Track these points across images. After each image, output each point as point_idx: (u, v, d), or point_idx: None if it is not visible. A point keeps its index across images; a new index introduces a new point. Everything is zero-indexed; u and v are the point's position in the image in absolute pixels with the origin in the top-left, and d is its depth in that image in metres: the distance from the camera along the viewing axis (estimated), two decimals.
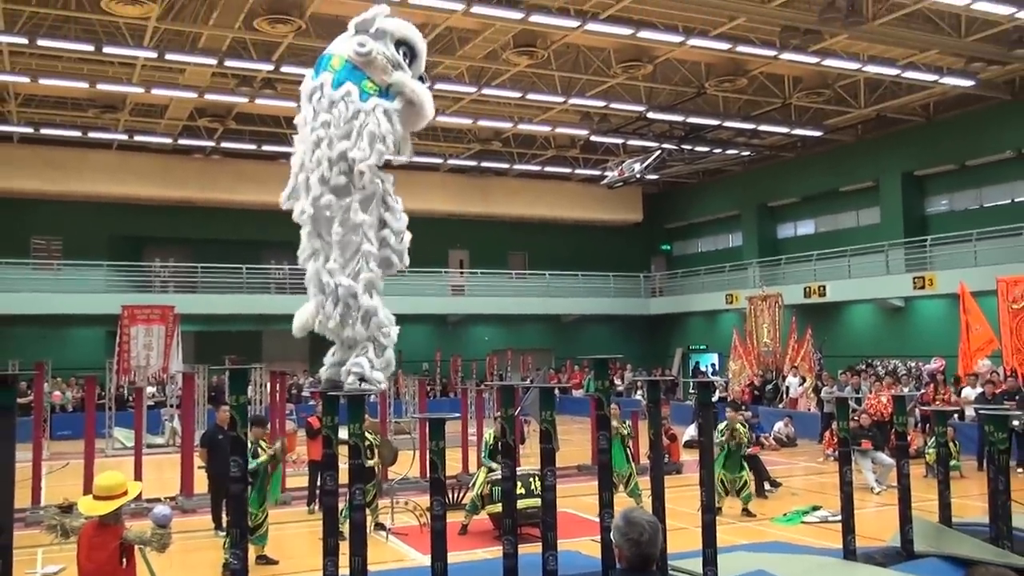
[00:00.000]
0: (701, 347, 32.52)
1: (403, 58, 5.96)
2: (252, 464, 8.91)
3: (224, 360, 20.00)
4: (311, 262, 6.62)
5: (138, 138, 25.97)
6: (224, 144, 26.80)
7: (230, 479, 5.43)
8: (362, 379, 6.42)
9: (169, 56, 19.01)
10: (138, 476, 12.25)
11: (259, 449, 9.18)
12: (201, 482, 11.79)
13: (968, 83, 21.63)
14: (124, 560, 5.36)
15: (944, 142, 24.85)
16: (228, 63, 19.61)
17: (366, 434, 10.27)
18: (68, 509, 9.00)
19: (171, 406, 20.91)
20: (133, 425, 14.98)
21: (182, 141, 26.45)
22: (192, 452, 12.52)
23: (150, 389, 21.93)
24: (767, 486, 13.33)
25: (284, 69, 20.13)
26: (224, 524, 9.06)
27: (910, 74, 21.09)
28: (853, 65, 20.64)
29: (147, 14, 16.83)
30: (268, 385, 18.68)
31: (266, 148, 27.29)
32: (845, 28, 17.83)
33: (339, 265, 6.30)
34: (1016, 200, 24.00)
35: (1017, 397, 15.85)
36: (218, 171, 28.34)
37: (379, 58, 5.78)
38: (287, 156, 30.50)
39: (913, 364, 22.24)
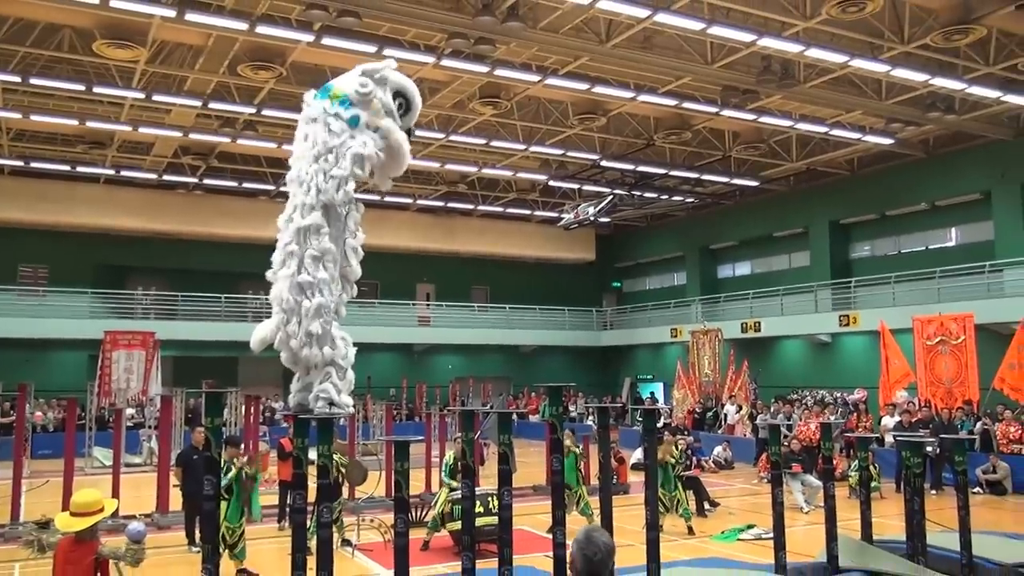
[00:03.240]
0: (648, 376, 32.65)
1: (397, 108, 5.98)
2: (224, 480, 8.76)
3: (201, 384, 19.68)
4: (281, 274, 6.32)
5: (124, 173, 25.57)
6: (206, 181, 26.51)
7: (203, 497, 5.33)
8: (331, 404, 6.32)
9: (156, 97, 18.84)
10: (116, 494, 11.90)
11: (231, 467, 9.01)
12: (176, 500, 11.51)
13: (888, 141, 22.22)
14: (98, 574, 5.21)
15: (867, 194, 25.40)
16: (212, 105, 19.48)
17: (334, 455, 10.22)
18: (45, 525, 8.73)
19: (149, 427, 20.45)
20: (112, 445, 14.62)
21: (166, 177, 26.11)
22: (168, 471, 12.23)
23: (130, 411, 21.46)
24: (707, 506, 13.37)
25: (265, 112, 20.04)
26: (198, 540, 8.86)
27: (837, 132, 21.62)
28: (786, 122, 21.11)
29: (136, 57, 16.70)
30: (243, 408, 18.34)
31: (246, 185, 27.09)
32: (779, 89, 18.27)
33: (307, 281, 6.07)
34: (930, 247, 24.58)
35: (931, 426, 16.13)
36: (200, 206, 28.01)
37: (376, 102, 5.79)
38: (266, 193, 30.47)
39: (838, 394, 22.54)
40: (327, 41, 15.71)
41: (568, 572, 3.49)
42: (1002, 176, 21.74)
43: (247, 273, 30.01)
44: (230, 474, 8.95)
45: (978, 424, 16.79)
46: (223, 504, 8.78)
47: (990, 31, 15.96)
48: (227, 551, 8.88)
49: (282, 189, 27.35)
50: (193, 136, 21.96)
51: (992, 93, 18.21)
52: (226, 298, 27.74)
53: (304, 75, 18.74)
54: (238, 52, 16.86)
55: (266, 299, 25.71)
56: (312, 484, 5.41)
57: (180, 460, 11.06)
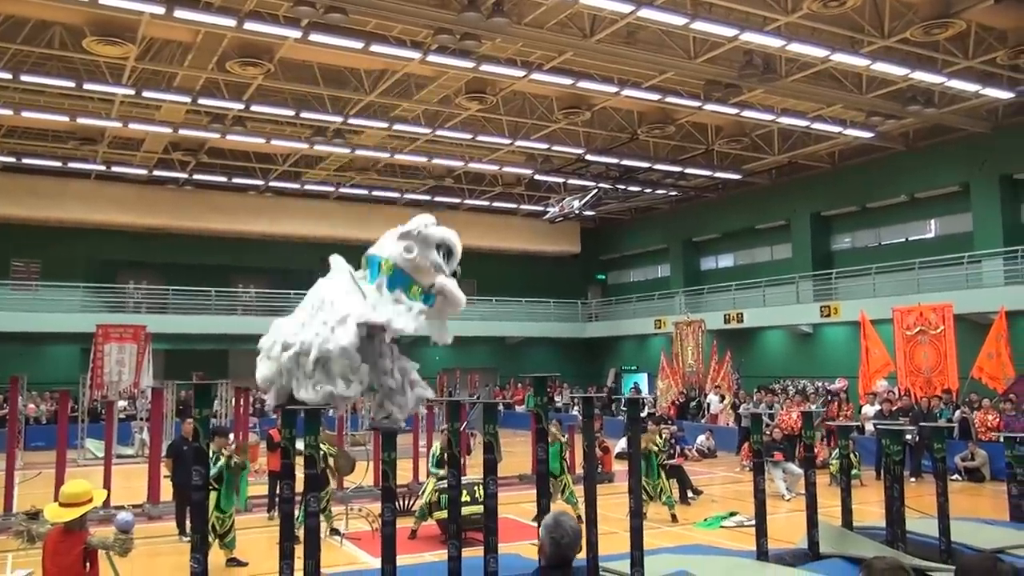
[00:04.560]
0: (632, 367, 32.72)
1: (442, 258, 6.09)
2: (214, 469, 8.71)
3: (192, 376, 19.54)
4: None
5: (115, 169, 25.37)
6: (196, 176, 26.33)
7: (193, 487, 5.28)
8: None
9: (146, 93, 18.66)
10: (108, 485, 11.83)
11: (220, 457, 8.98)
12: (167, 491, 11.44)
13: (868, 135, 22.28)
14: (87, 564, 5.16)
15: (847, 186, 25.48)
16: (201, 101, 19.31)
17: (321, 445, 10.18)
18: (35, 516, 8.66)
19: (141, 419, 20.32)
20: (104, 437, 14.51)
21: (157, 172, 25.93)
22: (159, 462, 12.15)
23: (121, 403, 21.31)
24: (690, 494, 13.41)
25: (254, 108, 19.91)
26: (188, 529, 8.81)
27: (818, 125, 21.67)
28: (768, 116, 21.13)
29: (126, 54, 16.53)
30: (233, 400, 18.25)
31: (236, 180, 26.94)
32: (761, 84, 18.27)
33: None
34: (910, 239, 24.70)
35: (910, 414, 16.22)
36: (190, 201, 27.82)
37: (424, 263, 5.88)
38: (256, 188, 30.18)
39: (820, 384, 22.62)
40: (315, 37, 15.59)
41: (537, 555, 3.51)
42: (980, 168, 21.85)
43: (237, 267, 29.98)
44: (219, 464, 8.92)
45: (957, 412, 16.89)
46: (213, 494, 8.74)
47: (969, 25, 15.99)
48: (217, 540, 8.84)
49: (271, 184, 27.39)
50: (183, 132, 21.77)
51: (970, 87, 18.28)
52: (217, 292, 27.59)
53: (292, 71, 18.62)
54: (227, 48, 16.71)
55: (256, 292, 25.47)
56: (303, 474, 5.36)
57: (170, 451, 10.99)
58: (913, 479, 14.83)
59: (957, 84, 18.11)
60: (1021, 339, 18.79)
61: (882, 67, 17.15)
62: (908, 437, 14.21)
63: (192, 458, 5.72)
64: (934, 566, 6.20)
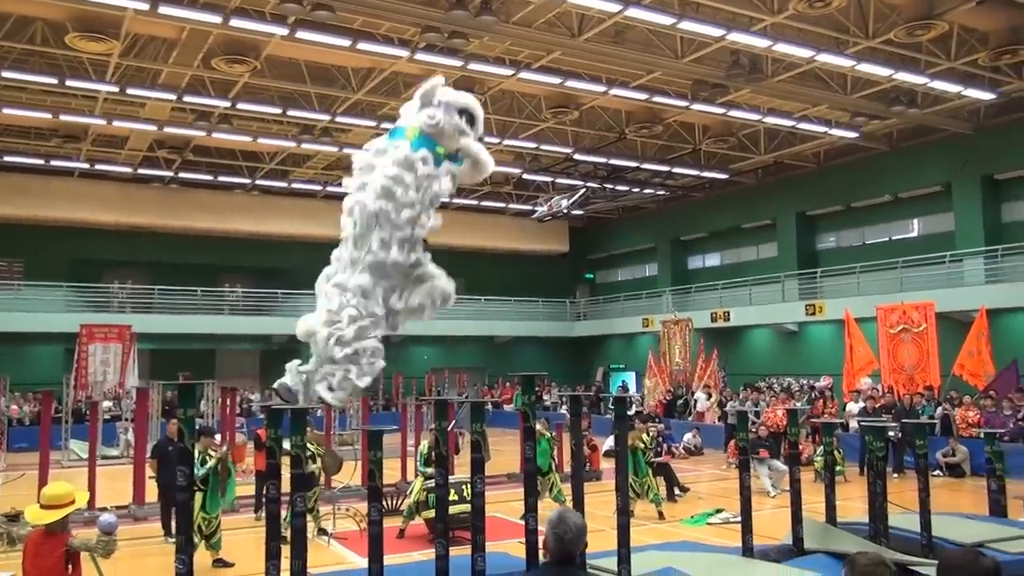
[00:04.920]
0: (620, 366, 32.79)
1: (465, 123, 6.16)
2: (201, 471, 8.67)
3: (178, 376, 19.45)
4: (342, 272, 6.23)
5: (99, 167, 25.17)
6: (182, 174, 26.17)
7: (177, 488, 5.24)
8: (329, 388, 6.17)
9: (130, 91, 18.52)
10: (92, 486, 11.76)
11: (207, 457, 8.92)
12: (152, 492, 11.38)
13: (853, 135, 22.42)
14: (69, 567, 5.12)
15: (832, 186, 25.63)
16: (187, 99, 19.19)
17: (308, 444, 10.16)
18: (15, 518, 8.58)
19: (126, 420, 20.19)
20: (88, 438, 14.40)
21: (141, 171, 25.74)
22: (144, 463, 12.07)
23: (106, 403, 21.18)
24: (677, 491, 13.46)
25: (240, 106, 19.81)
26: (174, 530, 8.77)
27: (803, 125, 21.79)
28: (754, 116, 21.22)
29: (109, 51, 16.39)
30: (220, 400, 18.16)
31: (222, 179, 26.79)
32: (748, 83, 18.35)
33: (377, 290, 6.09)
34: (893, 238, 24.88)
35: (893, 411, 16.35)
36: (175, 200, 27.64)
37: (447, 128, 5.95)
38: (242, 187, 29.95)
39: (805, 381, 22.75)
40: (301, 34, 15.54)
41: (542, 551, 3.48)
42: (962, 169, 22.02)
43: (224, 266, 29.83)
44: (207, 464, 8.86)
45: (938, 409, 17.04)
46: (199, 495, 8.70)
47: (951, 26, 16.11)
48: (203, 541, 8.80)
49: (258, 183, 27.23)
50: (168, 130, 21.62)
51: (953, 87, 18.43)
52: (203, 291, 27.44)
53: (279, 68, 18.54)
54: (212, 45, 16.61)
55: (242, 291, 25.37)
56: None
57: (155, 452, 10.93)
58: (896, 475, 14.95)
59: (940, 85, 18.25)
60: (1001, 337, 19.01)
61: (866, 68, 17.26)
62: (891, 434, 14.32)
63: (176, 459, 5.69)
64: (916, 560, 6.25)
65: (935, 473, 14.98)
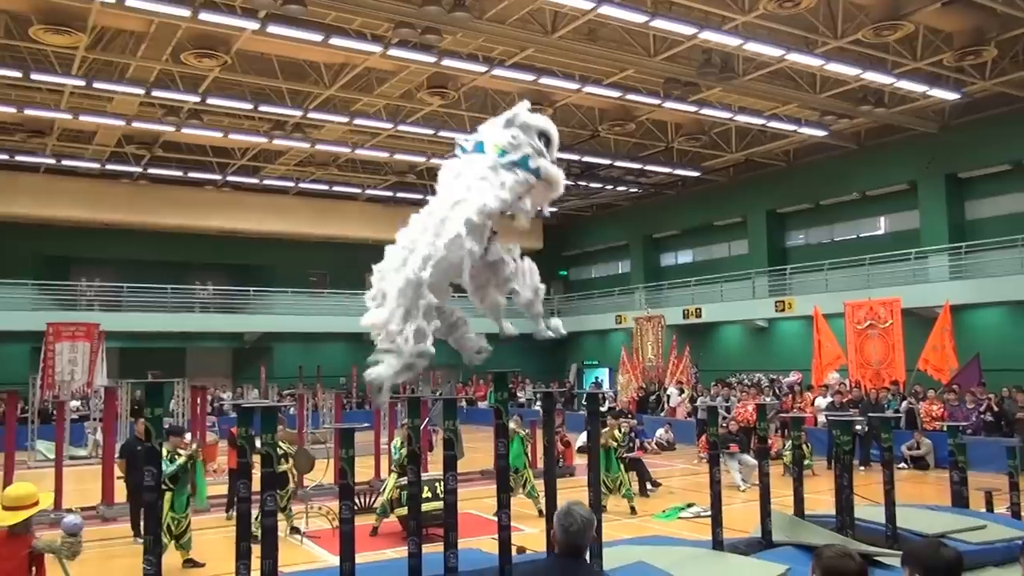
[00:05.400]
0: (594, 362, 32.91)
1: (543, 145, 6.31)
2: (170, 469, 8.58)
3: (148, 375, 19.19)
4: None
5: (66, 162, 24.75)
6: (151, 170, 25.79)
7: (144, 488, 5.18)
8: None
9: (97, 84, 18.21)
10: (59, 487, 11.59)
11: (175, 457, 8.82)
12: (121, 492, 11.23)
13: (822, 133, 22.68)
14: (33, 569, 5.03)
15: (802, 184, 25.90)
16: (155, 93, 18.92)
17: (280, 443, 10.08)
18: None
19: (94, 419, 19.89)
20: (55, 438, 14.17)
21: (110, 166, 25.32)
22: (113, 463, 11.91)
23: (74, 403, 20.84)
24: (649, 486, 13.54)
25: (211, 101, 19.57)
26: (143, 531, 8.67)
27: (774, 124, 22.00)
28: (726, 115, 21.38)
29: (76, 44, 16.11)
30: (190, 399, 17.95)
31: (192, 175, 26.46)
32: (719, 82, 18.49)
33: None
34: (861, 236, 25.20)
35: (860, 405, 16.58)
36: (145, 196, 27.24)
37: (528, 148, 6.08)
38: (213, 183, 29.53)
39: (775, 377, 23.00)
40: (273, 29, 15.38)
41: (549, 544, 3.46)
42: (927, 167, 22.37)
43: (194, 263, 29.48)
44: (176, 463, 8.76)
45: (903, 403, 17.30)
46: (168, 494, 8.60)
47: (917, 27, 16.36)
48: (173, 542, 8.70)
49: (229, 179, 26.94)
50: (136, 125, 21.30)
51: (919, 87, 18.70)
52: (173, 289, 27.10)
53: (250, 63, 18.35)
54: (181, 39, 16.39)
55: (214, 289, 25.05)
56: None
57: (124, 452, 10.79)
58: (863, 468, 15.17)
59: (906, 85, 18.52)
60: (964, 332, 19.35)
61: (835, 67, 17.47)
62: (858, 428, 14.53)
63: (144, 458, 5.62)
64: (881, 552, 6.36)
65: (900, 466, 15.23)
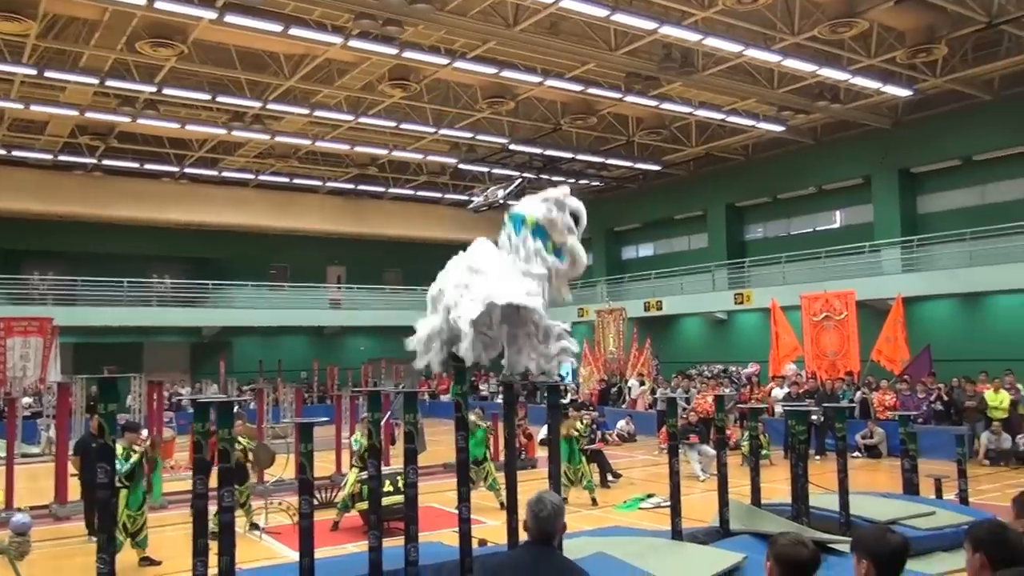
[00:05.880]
0: None
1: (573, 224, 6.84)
2: (126, 466, 8.41)
3: (103, 371, 18.82)
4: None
5: (16, 153, 24.08)
6: (106, 161, 25.23)
7: (98, 486, 5.08)
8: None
9: (49, 73, 17.73)
10: (10, 486, 11.31)
11: (131, 453, 8.65)
12: (75, 490, 10.98)
13: (779, 128, 22.99)
14: None
15: (760, 178, 26.24)
16: (110, 83, 18.47)
17: (239, 438, 9.95)
18: None
19: (47, 416, 19.44)
20: (7, 435, 13.84)
21: (63, 157, 24.71)
22: (66, 460, 11.64)
23: (26, 399, 20.35)
24: (610, 477, 13.63)
25: (167, 91, 19.19)
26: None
27: (733, 119, 22.23)
28: (686, 109, 21.56)
29: (26, 31, 15.65)
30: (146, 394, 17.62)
31: (148, 166, 25.95)
32: (679, 77, 18.63)
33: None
34: (817, 229, 25.63)
35: (816, 396, 16.87)
36: (100, 188, 26.63)
37: (560, 224, 6.60)
38: (170, 175, 28.94)
39: (734, 368, 23.30)
40: (230, 19, 15.10)
41: (522, 531, 3.55)
42: (881, 162, 22.81)
43: (151, 256, 28.94)
44: (131, 460, 8.60)
45: (857, 393, 17.64)
46: (124, 492, 8.44)
47: (871, 25, 16.63)
48: (128, 540, 8.54)
49: (187, 171, 26.45)
50: (90, 115, 20.80)
51: (873, 84, 19.05)
52: (129, 282, 26.57)
53: (207, 53, 18.02)
54: (136, 28, 16.01)
55: (171, 282, 24.55)
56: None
57: (78, 448, 10.55)
58: (818, 457, 15.45)
59: (860, 81, 18.85)
60: (916, 323, 19.80)
61: (792, 63, 17.71)
62: (814, 418, 14.78)
63: (97, 455, 5.51)
64: (834, 538, 6.48)
65: (854, 455, 15.53)
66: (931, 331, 19.97)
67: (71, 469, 11.21)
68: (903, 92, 19.64)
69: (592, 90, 19.90)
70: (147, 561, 8.78)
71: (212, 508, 5.48)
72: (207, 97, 19.70)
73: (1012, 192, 20.79)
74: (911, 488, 8.79)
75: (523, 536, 3.57)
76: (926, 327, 20.20)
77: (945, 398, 16.26)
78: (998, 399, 15.73)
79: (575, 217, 6.71)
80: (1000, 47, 18.09)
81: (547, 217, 6.60)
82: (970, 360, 18.23)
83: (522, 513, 6.03)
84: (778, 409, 17.32)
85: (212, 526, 5.83)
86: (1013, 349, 18.45)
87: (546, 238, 6.64)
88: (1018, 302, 19.50)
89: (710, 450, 13.84)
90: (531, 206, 6.78)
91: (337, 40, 16.44)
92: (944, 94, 20.39)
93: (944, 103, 20.97)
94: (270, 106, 20.41)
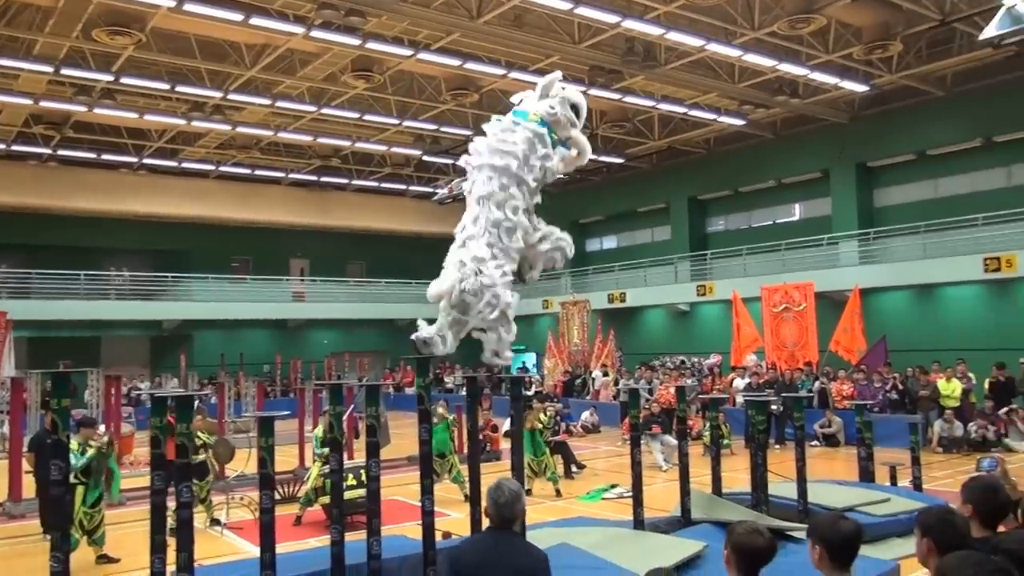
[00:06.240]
0: (521, 347, 33.02)
1: (575, 116, 7.03)
2: (81, 461, 8.25)
3: (59, 365, 18.40)
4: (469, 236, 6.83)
5: None
6: (61, 152, 24.63)
7: (52, 482, 4.96)
8: (496, 354, 6.82)
9: (1, 61, 17.27)
10: None
11: (87, 449, 8.48)
12: (30, 487, 10.73)
13: (740, 122, 23.23)
14: None
15: (721, 172, 26.51)
16: (65, 71, 18.02)
17: (198, 433, 9.81)
18: None
19: (2, 412, 18.96)
20: None
21: (16, 147, 24.07)
22: (20, 457, 11.36)
23: None
24: (574, 468, 13.69)
25: (124, 80, 18.78)
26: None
27: (695, 112, 22.41)
28: (649, 103, 21.68)
29: None
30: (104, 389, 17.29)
31: (106, 157, 25.40)
32: (642, 70, 18.72)
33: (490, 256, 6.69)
34: (777, 222, 25.96)
35: (775, 386, 17.12)
36: (55, 178, 26.00)
37: (562, 119, 6.84)
38: (128, 166, 28.37)
39: (696, 359, 23.55)
40: (190, 7, 14.82)
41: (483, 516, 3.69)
42: (839, 156, 23.17)
43: (109, 249, 28.34)
44: (87, 455, 8.43)
45: (816, 383, 17.93)
46: (80, 488, 8.27)
47: (829, 21, 16.87)
48: (85, 537, 8.38)
49: (145, 161, 25.93)
50: (45, 104, 20.29)
51: (830, 79, 19.32)
52: (87, 275, 25.99)
53: (166, 42, 17.67)
54: (92, 15, 15.65)
55: (130, 275, 24.10)
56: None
57: (33, 444, 10.32)
58: (778, 446, 15.70)
59: (819, 76, 19.11)
60: (872, 314, 20.18)
61: (752, 58, 17.89)
62: (773, 407, 15.01)
63: (50, 452, 5.39)
64: (792, 526, 6.57)
65: (813, 443, 15.82)
66: (887, 322, 20.37)
67: (25, 466, 10.96)
68: (860, 87, 19.96)
69: None
70: (105, 559, 8.62)
71: (172, 504, 5.40)
72: (166, 87, 19.32)
73: (964, 186, 21.27)
74: (867, 476, 8.96)
75: (486, 524, 3.69)
76: (882, 318, 20.59)
77: (900, 387, 16.62)
78: (950, 388, 16.10)
79: (576, 109, 6.96)
80: (953, 44, 18.46)
81: (550, 115, 6.87)
82: (924, 350, 18.63)
83: (484, 505, 6.03)
84: (739, 399, 17.54)
85: (172, 522, 5.74)
86: (965, 339, 18.90)
87: (552, 132, 6.94)
88: (970, 293, 19.98)
89: (672, 440, 13.96)
90: (534, 105, 7.02)
91: (299, 30, 16.22)
92: (899, 90, 20.77)
93: (899, 99, 21.36)
94: (231, 96, 20.08)
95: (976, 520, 3.21)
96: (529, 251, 7.13)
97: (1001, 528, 3.39)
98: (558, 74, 7.06)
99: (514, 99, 7.12)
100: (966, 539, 2.88)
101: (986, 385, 16.47)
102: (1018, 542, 2.70)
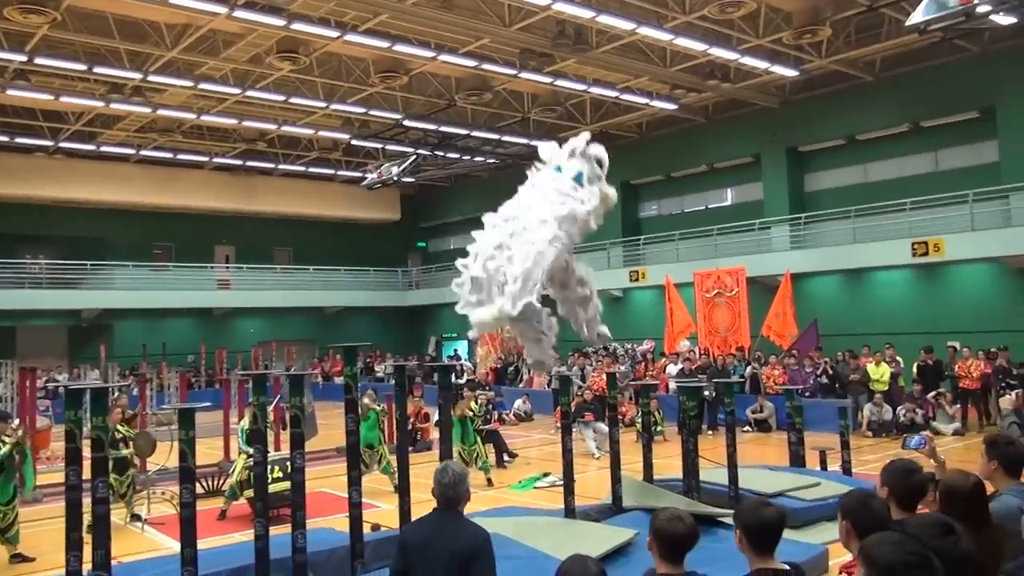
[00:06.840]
0: (453, 335, 32.97)
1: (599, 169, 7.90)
2: None
3: None
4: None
5: None
6: None
7: None
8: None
9: None
10: None
11: (1, 444, 8.16)
12: None
13: (672, 107, 23.52)
14: None
15: (654, 156, 26.75)
16: None
17: (118, 427, 9.53)
18: None
19: None
20: None
21: None
22: None
23: None
24: (506, 457, 13.74)
25: (39, 60, 17.98)
26: None
27: (626, 96, 22.60)
28: (581, 87, 21.76)
29: None
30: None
31: (20, 140, 24.35)
32: (573, 54, 18.77)
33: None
34: (709, 207, 26.40)
35: (708, 371, 17.44)
36: None
37: (590, 174, 7.84)
38: (44, 149, 27.30)
39: (629, 346, 23.84)
40: None
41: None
42: (770, 141, 23.67)
43: (23, 236, 27.16)
44: (1, 451, 8.11)
45: (748, 368, 18.35)
46: None
47: (759, 5, 17.16)
48: None
49: (62, 145, 24.87)
50: None
51: (761, 64, 19.70)
52: (0, 263, 24.88)
53: (83, 21, 16.96)
54: None
55: (46, 263, 23.25)
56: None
57: None
58: (711, 432, 16.01)
59: (749, 61, 19.48)
60: (803, 299, 20.72)
61: (683, 42, 18.11)
62: (706, 393, 15.28)
63: None
64: (722, 511, 6.75)
65: (745, 429, 16.17)
66: (818, 306, 20.89)
67: None
68: (790, 72, 20.41)
69: (486, 66, 19.81)
70: (19, 558, 8.36)
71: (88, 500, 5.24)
72: (83, 67, 18.55)
73: (892, 171, 21.90)
74: (798, 460, 9.24)
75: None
76: (813, 303, 21.12)
77: (830, 372, 16.89)
78: (880, 372, 16.37)
79: (599, 162, 7.96)
80: (881, 30, 18.95)
81: (578, 170, 7.88)
82: (854, 335, 19.11)
83: (417, 495, 6.02)
84: (672, 385, 17.80)
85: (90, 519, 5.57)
86: (894, 323, 19.55)
87: (581, 183, 7.85)
88: (899, 278, 20.66)
89: (604, 428, 14.14)
90: (565, 161, 8.07)
91: (222, 10, 15.73)
92: (829, 75, 21.30)
93: (828, 83, 21.90)
94: (151, 78, 19.40)
95: (893, 502, 3.33)
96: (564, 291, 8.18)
97: (922, 508, 3.53)
98: (587, 135, 8.03)
99: (543, 155, 8.15)
100: (886, 522, 2.97)
101: (914, 369, 16.91)
102: (918, 527, 2.82)
